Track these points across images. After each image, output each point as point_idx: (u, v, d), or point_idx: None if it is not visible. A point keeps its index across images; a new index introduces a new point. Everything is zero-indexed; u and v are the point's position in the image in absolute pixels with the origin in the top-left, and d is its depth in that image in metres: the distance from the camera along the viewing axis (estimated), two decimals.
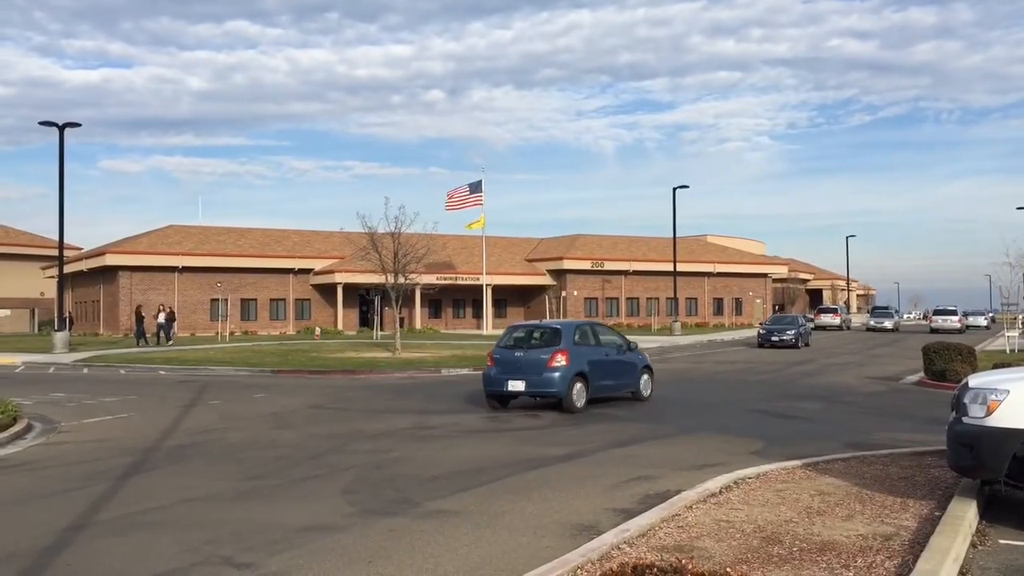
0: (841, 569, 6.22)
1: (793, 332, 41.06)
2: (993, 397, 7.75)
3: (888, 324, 60.19)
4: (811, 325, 50.45)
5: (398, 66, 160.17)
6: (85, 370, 28.05)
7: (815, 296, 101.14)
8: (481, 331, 59.17)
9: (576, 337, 17.61)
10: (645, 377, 18.99)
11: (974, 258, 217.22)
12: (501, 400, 17.69)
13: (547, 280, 67.09)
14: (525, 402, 18.10)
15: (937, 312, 62.28)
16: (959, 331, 56.82)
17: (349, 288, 59.29)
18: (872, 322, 61.69)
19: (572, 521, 8.00)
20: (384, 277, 35.40)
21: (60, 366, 29.10)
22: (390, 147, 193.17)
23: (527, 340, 18.04)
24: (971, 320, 67.92)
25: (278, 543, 7.35)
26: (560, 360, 16.75)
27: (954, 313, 60.87)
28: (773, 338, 41.04)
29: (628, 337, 20.29)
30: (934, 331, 56.14)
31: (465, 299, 67.01)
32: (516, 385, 17.04)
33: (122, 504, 8.88)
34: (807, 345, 42.01)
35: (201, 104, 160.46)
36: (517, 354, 17.37)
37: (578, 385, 16.92)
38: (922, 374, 23.48)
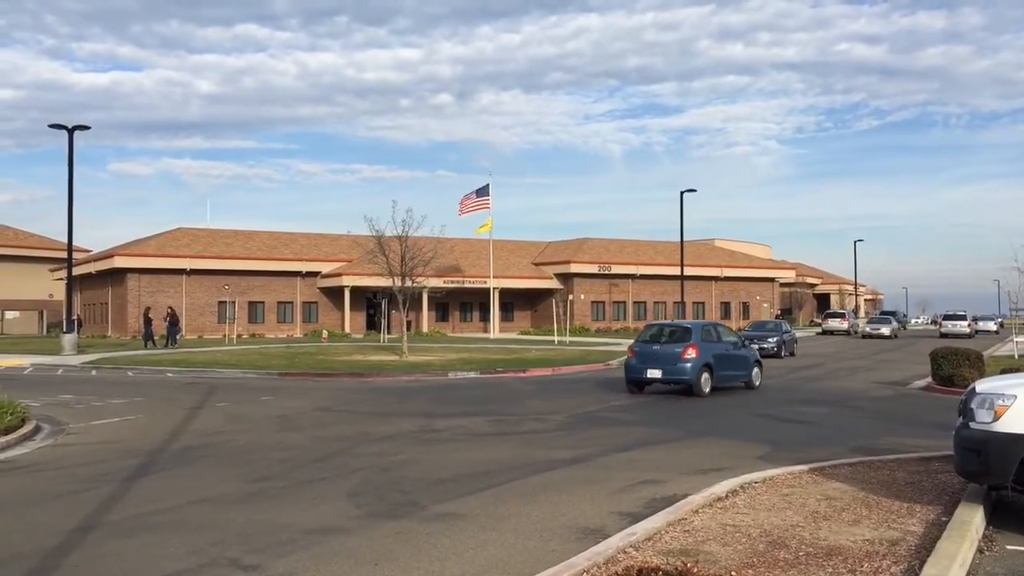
0: (847, 574, 6.21)
1: (775, 340, 36.76)
2: (1000, 402, 7.74)
3: (885, 331, 57.02)
4: (797, 333, 45.12)
5: (406, 69, 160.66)
6: (93, 372, 28.14)
7: (823, 301, 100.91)
8: (488, 334, 59.17)
9: (703, 335, 20.69)
10: (756, 370, 22.43)
11: (982, 263, 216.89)
12: (639, 385, 20.89)
13: (554, 284, 67.07)
14: (658, 388, 21.26)
15: (947, 317, 63.19)
16: (969, 336, 57.64)
17: (356, 291, 59.39)
18: (868, 328, 58.83)
19: (578, 525, 8.00)
20: (391, 280, 35.43)
21: (68, 368, 29.20)
22: (398, 150, 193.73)
23: (662, 336, 21.31)
24: (981, 325, 68.41)
25: (285, 545, 7.37)
26: (691, 353, 19.94)
27: (964, 318, 61.65)
28: (751, 346, 37.80)
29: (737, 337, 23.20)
30: (944, 335, 57.15)
31: (472, 302, 67.05)
32: (654, 373, 20.25)
33: (129, 506, 8.91)
34: (791, 355, 37.46)
35: (210, 107, 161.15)
36: (655, 347, 20.58)
37: (705, 375, 20.09)
38: (930, 379, 23.39)
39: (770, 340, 36.82)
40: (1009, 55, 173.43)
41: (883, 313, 74.75)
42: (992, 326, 70.88)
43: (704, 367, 20.00)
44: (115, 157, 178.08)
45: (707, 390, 20.04)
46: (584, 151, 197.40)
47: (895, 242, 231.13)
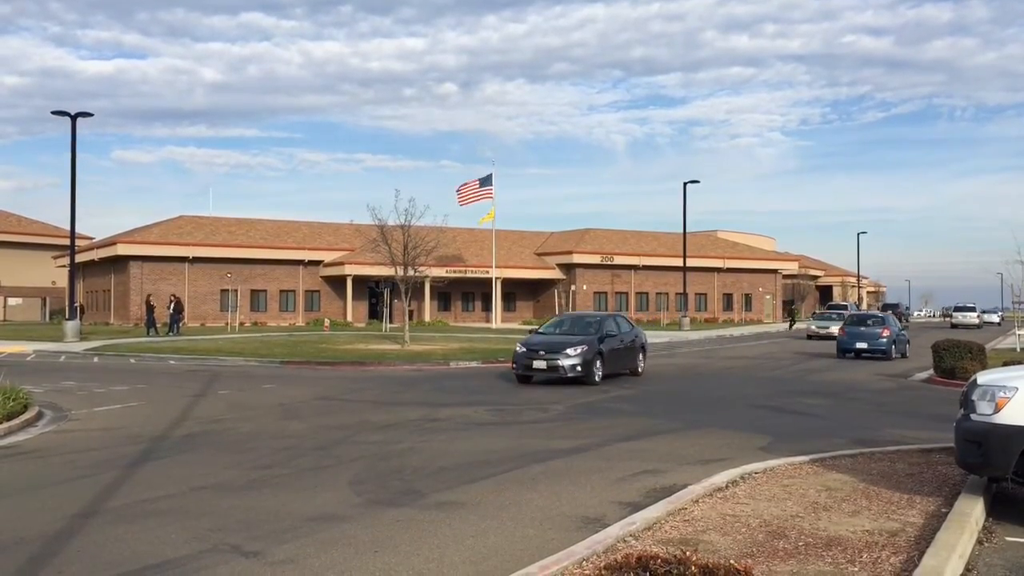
0: (846, 564, 6.22)
1: (579, 352, 20.12)
2: (1001, 394, 7.74)
3: (835, 330, 39.40)
4: (645, 337, 24.87)
5: (411, 59, 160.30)
6: (95, 359, 28.20)
7: (825, 293, 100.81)
8: (490, 324, 59.17)
9: (891, 321, 32.45)
10: (906, 345, 32.74)
11: (986, 256, 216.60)
12: (846, 353, 31.31)
13: (556, 274, 67.06)
14: (849, 358, 30.78)
15: (957, 308, 69.94)
16: (978, 327, 63.93)
17: (359, 280, 59.41)
18: (814, 326, 46.67)
19: (578, 514, 8.02)
20: (394, 269, 35.44)
21: (71, 355, 29.25)
22: (402, 140, 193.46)
23: (863, 322, 32.82)
24: (986, 317, 73.80)
25: (286, 532, 7.39)
26: (886, 333, 31.27)
27: (973, 310, 68.35)
28: (537, 364, 20.30)
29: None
30: (954, 326, 63.72)
31: (474, 292, 67.05)
32: (861, 345, 31.14)
33: (131, 492, 8.94)
34: (635, 374, 22.80)
35: (214, 95, 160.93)
36: (860, 329, 31.77)
37: (893, 346, 31.11)
38: (932, 371, 23.40)
39: (571, 353, 20.12)
40: (1016, 48, 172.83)
41: (886, 305, 74.81)
42: (995, 318, 75.89)
43: (893, 342, 31.09)
44: (119, 145, 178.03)
45: (895, 356, 30.72)
46: (588, 142, 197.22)
47: (899, 235, 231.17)
